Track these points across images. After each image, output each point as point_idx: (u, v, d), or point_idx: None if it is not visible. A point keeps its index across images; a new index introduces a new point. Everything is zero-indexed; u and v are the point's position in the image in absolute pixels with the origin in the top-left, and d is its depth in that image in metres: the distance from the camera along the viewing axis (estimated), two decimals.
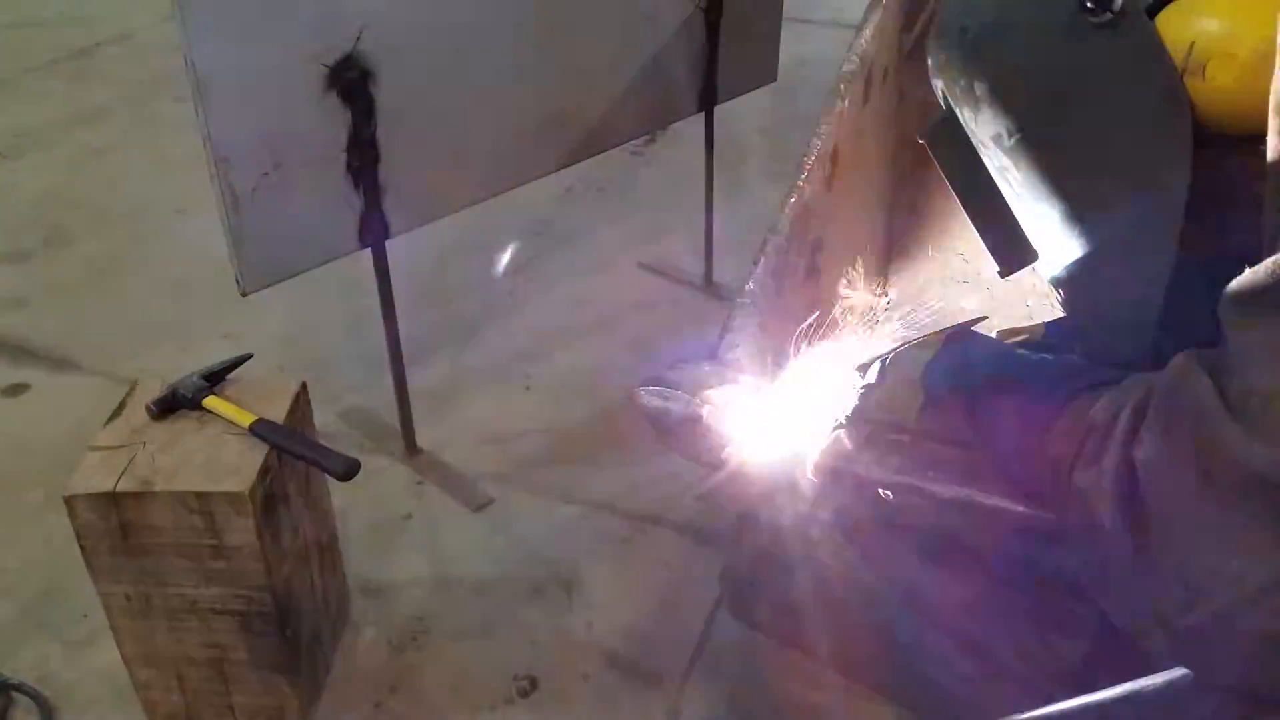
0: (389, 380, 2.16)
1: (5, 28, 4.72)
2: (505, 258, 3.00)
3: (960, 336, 0.96)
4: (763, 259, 1.28)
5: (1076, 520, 0.76)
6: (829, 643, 1.23)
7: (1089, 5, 0.81)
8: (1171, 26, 0.81)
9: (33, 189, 3.42)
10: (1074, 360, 0.86)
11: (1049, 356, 0.89)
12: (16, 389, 2.48)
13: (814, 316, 1.20)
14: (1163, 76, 0.81)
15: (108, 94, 4.08)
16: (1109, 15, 0.80)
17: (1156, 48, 0.81)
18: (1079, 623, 0.95)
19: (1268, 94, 0.72)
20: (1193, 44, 0.80)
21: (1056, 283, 0.98)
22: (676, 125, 2.68)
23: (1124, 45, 0.81)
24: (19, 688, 1.71)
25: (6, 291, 2.87)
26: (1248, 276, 0.64)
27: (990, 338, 0.99)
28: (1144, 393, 0.72)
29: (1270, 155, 0.73)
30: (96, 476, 1.42)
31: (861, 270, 1.46)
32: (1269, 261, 0.62)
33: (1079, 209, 0.89)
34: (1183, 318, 0.74)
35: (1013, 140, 0.89)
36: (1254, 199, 0.76)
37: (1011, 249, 0.99)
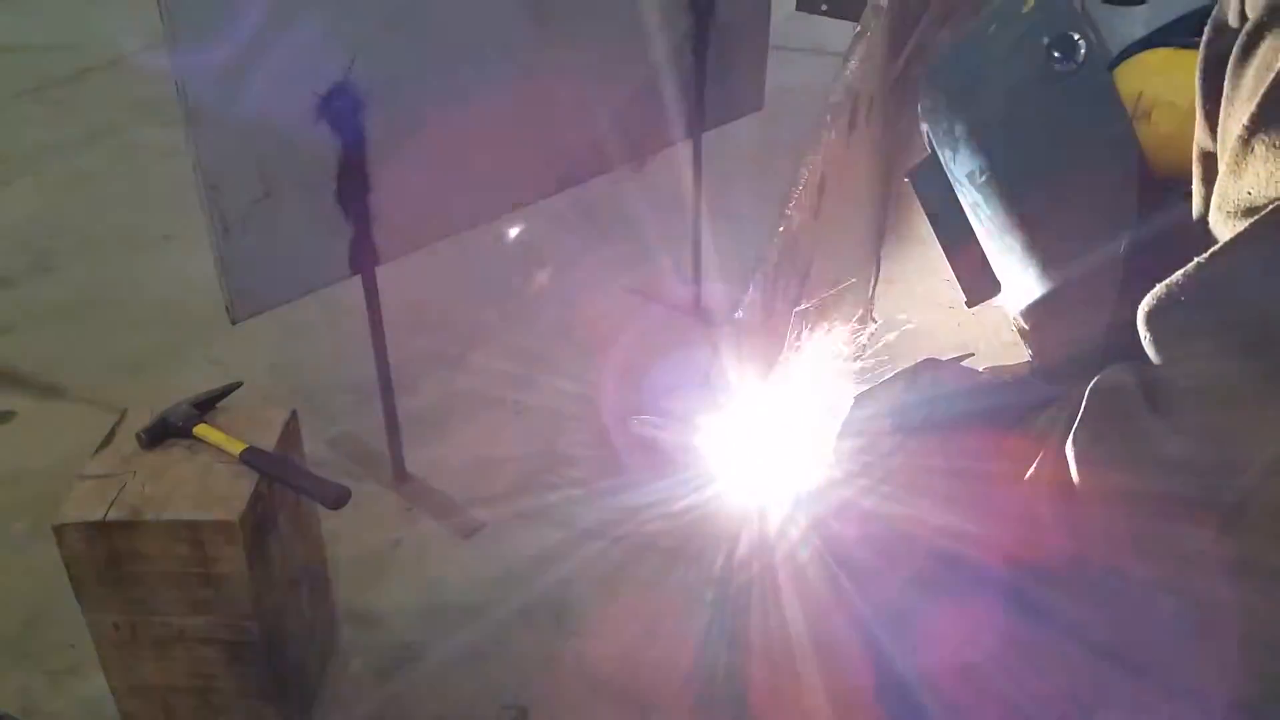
0: (378, 406, 2.16)
1: None
2: (495, 280, 3.01)
3: (931, 368, 0.99)
4: (751, 288, 1.29)
5: (1025, 530, 0.79)
6: (820, 671, 1.23)
7: (1056, 55, 0.90)
8: (1125, 77, 0.89)
9: (19, 215, 3.42)
10: (1033, 383, 0.89)
11: (1010, 381, 0.92)
12: (3, 417, 2.46)
13: (801, 343, 1.21)
14: (1115, 121, 0.88)
15: (96, 120, 4.08)
16: (1074, 65, 0.89)
17: (1112, 95, 0.89)
18: (1071, 650, 0.96)
19: None
20: (1141, 93, 0.88)
21: (1014, 313, 1.02)
22: (664, 150, 2.71)
23: (1084, 92, 0.90)
24: (3, 718, 1.69)
25: None
26: (1161, 288, 0.69)
27: (961, 367, 1.02)
28: (1077, 399, 0.75)
29: (1194, 201, 0.80)
30: (86, 506, 1.42)
31: (845, 299, 1.47)
32: (1179, 273, 0.67)
33: (1036, 243, 0.96)
34: (1125, 348, 0.78)
35: (984, 178, 0.97)
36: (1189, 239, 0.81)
37: (979, 281, 1.05)
